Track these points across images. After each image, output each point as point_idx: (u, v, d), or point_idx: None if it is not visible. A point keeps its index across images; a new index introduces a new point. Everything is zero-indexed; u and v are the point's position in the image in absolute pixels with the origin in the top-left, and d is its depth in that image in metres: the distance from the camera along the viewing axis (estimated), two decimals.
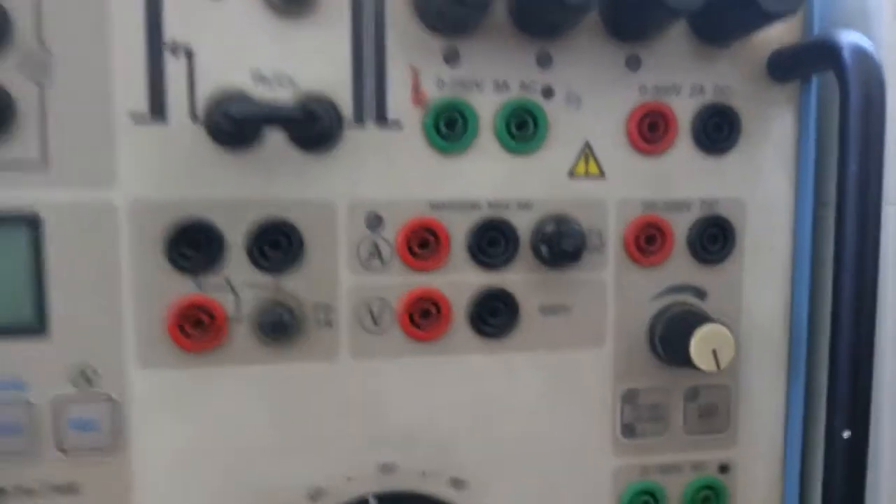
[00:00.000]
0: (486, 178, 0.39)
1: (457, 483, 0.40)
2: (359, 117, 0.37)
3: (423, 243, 0.39)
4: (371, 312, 0.39)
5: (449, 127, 0.38)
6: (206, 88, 0.36)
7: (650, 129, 0.40)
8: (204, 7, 0.35)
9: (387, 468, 0.40)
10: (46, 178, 0.35)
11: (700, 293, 0.41)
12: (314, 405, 0.39)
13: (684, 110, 0.40)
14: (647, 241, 0.40)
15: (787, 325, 0.43)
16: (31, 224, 0.35)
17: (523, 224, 0.39)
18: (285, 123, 0.35)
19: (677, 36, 0.39)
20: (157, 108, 0.36)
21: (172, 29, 0.35)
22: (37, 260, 0.35)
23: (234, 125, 0.34)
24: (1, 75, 0.34)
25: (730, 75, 0.40)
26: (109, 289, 0.36)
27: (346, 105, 0.37)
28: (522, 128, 0.39)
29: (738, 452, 0.43)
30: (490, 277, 0.39)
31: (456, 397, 0.40)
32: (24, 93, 0.35)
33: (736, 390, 0.43)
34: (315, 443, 0.39)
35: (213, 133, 0.35)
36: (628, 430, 0.42)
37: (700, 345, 0.38)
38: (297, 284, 0.38)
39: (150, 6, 0.35)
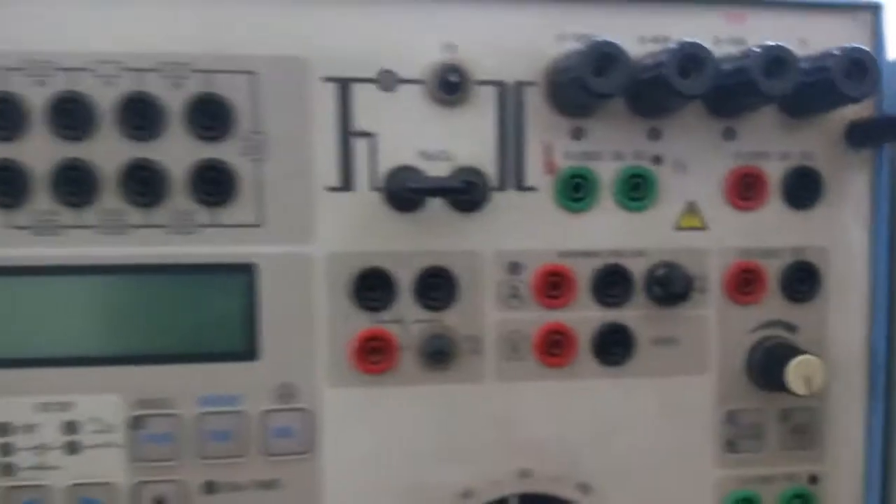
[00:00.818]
0: (606, 231, 0.47)
1: (583, 487, 0.48)
2: (502, 184, 0.46)
3: (554, 285, 0.47)
4: (511, 343, 0.47)
5: (575, 190, 0.47)
6: (384, 164, 0.45)
7: (745, 189, 0.47)
8: (383, 100, 0.45)
9: (524, 473, 0.48)
10: (261, 235, 0.45)
11: (790, 327, 0.49)
12: (465, 419, 0.47)
13: (774, 172, 0.48)
14: (744, 283, 0.48)
15: (867, 354, 0.49)
16: (249, 271, 0.45)
17: (638, 269, 0.47)
18: (450, 193, 0.44)
19: (767, 111, 0.47)
20: (346, 180, 0.45)
21: (358, 118, 0.45)
22: (251, 300, 0.45)
23: (412, 194, 0.43)
24: (227, 156, 0.44)
25: (813, 143, 0.48)
26: (307, 323, 0.45)
27: (491, 174, 0.46)
28: (636, 189, 0.47)
29: (825, 466, 0.50)
30: (610, 314, 0.48)
31: (581, 415, 0.48)
32: (244, 169, 0.44)
33: (823, 412, 0.49)
34: (466, 450, 0.47)
35: (391, 200, 0.45)
36: (729, 445, 0.49)
37: (795, 372, 0.45)
38: (453, 319, 0.47)
39: (341, 100, 0.45)
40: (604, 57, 0.40)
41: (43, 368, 0.43)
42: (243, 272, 0.44)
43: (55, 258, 0.43)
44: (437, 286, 0.46)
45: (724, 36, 0.46)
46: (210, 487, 0.45)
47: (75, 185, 0.42)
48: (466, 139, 0.45)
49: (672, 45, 0.40)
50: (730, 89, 0.42)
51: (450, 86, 0.44)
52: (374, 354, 0.45)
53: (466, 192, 0.43)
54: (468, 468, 0.47)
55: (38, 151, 0.42)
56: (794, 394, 0.45)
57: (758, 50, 0.41)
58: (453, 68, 0.45)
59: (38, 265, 0.43)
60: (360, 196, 0.45)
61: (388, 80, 0.45)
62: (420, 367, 0.46)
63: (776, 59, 0.41)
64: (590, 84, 0.40)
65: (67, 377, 0.44)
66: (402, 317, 0.46)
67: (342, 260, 0.45)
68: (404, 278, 0.46)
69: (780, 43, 0.41)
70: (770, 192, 0.48)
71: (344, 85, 0.44)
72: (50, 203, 0.42)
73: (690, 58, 0.40)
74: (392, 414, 0.46)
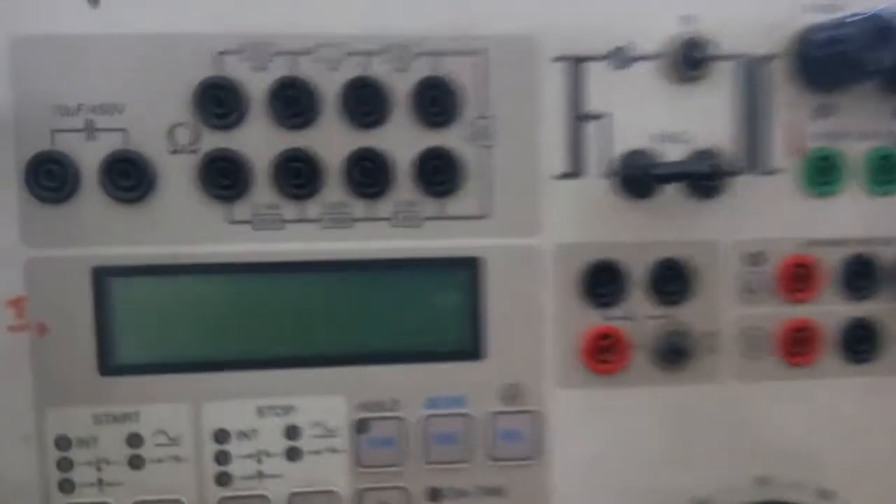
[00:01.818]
0: (854, 217, 0.43)
1: (825, 494, 0.44)
2: (741, 166, 0.42)
3: (799, 277, 0.43)
4: (751, 340, 0.43)
5: (822, 173, 0.43)
6: (617, 148, 0.42)
7: None
8: (615, 80, 0.41)
9: (761, 480, 0.44)
10: (487, 227, 0.42)
11: None
12: (699, 423, 0.44)
13: None
14: None
15: None
16: (474, 266, 0.42)
17: (887, 258, 0.43)
18: (697, 179, 0.40)
19: None
20: (576, 166, 0.42)
21: (590, 101, 0.41)
22: (476, 296, 0.42)
23: (655, 181, 0.40)
24: (453, 142, 0.41)
25: None
26: (534, 320, 0.42)
27: (730, 156, 0.42)
28: (885, 172, 0.43)
29: None
30: (858, 308, 0.44)
31: (825, 416, 0.44)
32: (470, 156, 0.41)
33: None
34: (699, 456, 0.44)
35: (625, 187, 0.41)
36: None
37: None
38: (687, 315, 0.43)
39: (572, 82, 0.41)
40: (882, 30, 0.36)
41: (262, 370, 0.41)
42: (468, 266, 0.41)
43: (276, 254, 0.41)
44: (671, 279, 0.42)
45: None
46: (434, 494, 0.42)
47: (297, 176, 0.40)
48: (703, 119, 0.42)
49: None
50: None
51: (690, 61, 0.41)
52: (604, 353, 0.42)
53: (714, 178, 0.40)
54: (703, 474, 0.44)
55: (258, 141, 0.40)
56: None
57: None
58: (693, 42, 0.41)
59: (257, 262, 0.40)
60: (589, 183, 0.42)
61: (621, 58, 0.41)
62: (653, 367, 0.43)
63: None
64: (866, 59, 0.36)
65: (288, 379, 0.41)
66: (634, 313, 0.42)
67: (570, 252, 0.42)
68: (636, 271, 0.42)
69: None
70: None
71: (574, 64, 0.41)
72: (271, 196, 0.40)
73: None
74: (623, 416, 0.43)
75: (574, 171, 0.42)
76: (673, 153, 0.42)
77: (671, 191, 0.42)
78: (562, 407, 0.43)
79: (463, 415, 0.42)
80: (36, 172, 0.38)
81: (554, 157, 0.41)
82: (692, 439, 0.44)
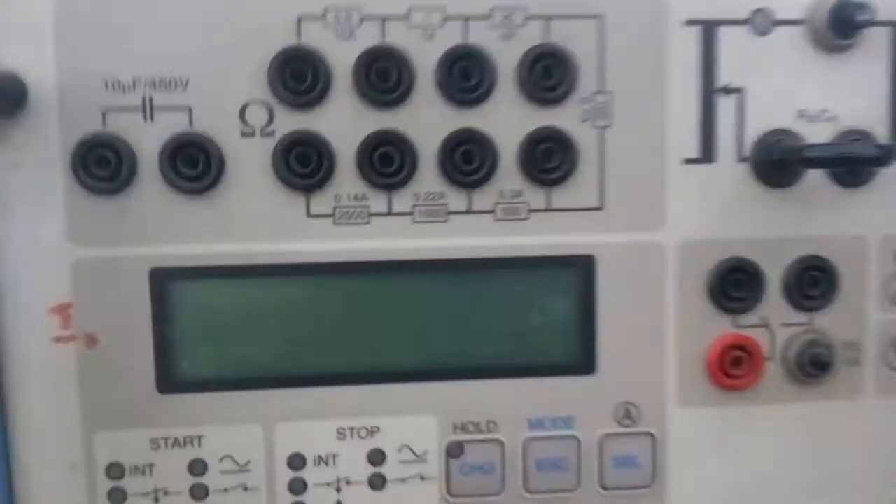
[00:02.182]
0: None
1: None
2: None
3: None
4: None
5: None
6: (754, 129, 0.36)
7: None
8: (754, 48, 0.35)
9: None
10: (602, 220, 0.36)
11: None
12: (838, 443, 0.38)
13: None
14: None
15: None
16: (586, 265, 0.36)
17: None
18: (861, 165, 0.34)
19: None
20: (707, 150, 0.36)
21: (725, 72, 0.35)
22: (588, 300, 0.36)
23: (808, 166, 0.34)
24: (565, 122, 0.35)
25: None
26: (655, 328, 0.37)
27: (881, 137, 0.36)
28: None
29: None
30: None
31: None
32: (585, 138, 0.35)
33: None
34: (841, 480, 0.38)
35: (764, 173, 0.35)
36: None
37: None
38: (827, 322, 0.37)
39: (705, 50, 0.35)
40: None
41: (343, 387, 0.36)
42: (579, 266, 0.36)
43: (359, 252, 0.35)
44: (812, 281, 0.36)
45: None
46: None
47: (387, 162, 0.34)
48: (852, 94, 0.36)
49: None
50: None
51: (839, 28, 0.34)
52: (735, 366, 0.36)
53: (881, 163, 0.33)
54: (843, 500, 0.38)
55: (342, 121, 0.34)
56: None
57: None
58: (843, 5, 0.34)
59: (337, 261, 0.34)
60: (722, 169, 0.36)
61: (762, 22, 0.35)
62: (789, 381, 0.38)
63: None
64: None
65: (373, 397, 0.36)
66: (769, 319, 0.36)
67: (698, 250, 0.36)
68: (772, 272, 0.36)
69: None
70: None
71: (709, 29, 0.35)
72: (355, 185, 0.34)
73: None
74: (754, 438, 0.38)
75: (705, 156, 0.35)
76: (817, 134, 0.36)
77: (814, 178, 0.36)
78: (683, 428, 0.38)
79: (570, 437, 0.37)
80: (85, 159, 0.33)
81: (682, 138, 0.36)
82: (832, 463, 0.38)
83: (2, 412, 0.34)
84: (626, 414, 0.37)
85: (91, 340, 0.34)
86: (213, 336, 0.35)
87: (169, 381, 0.35)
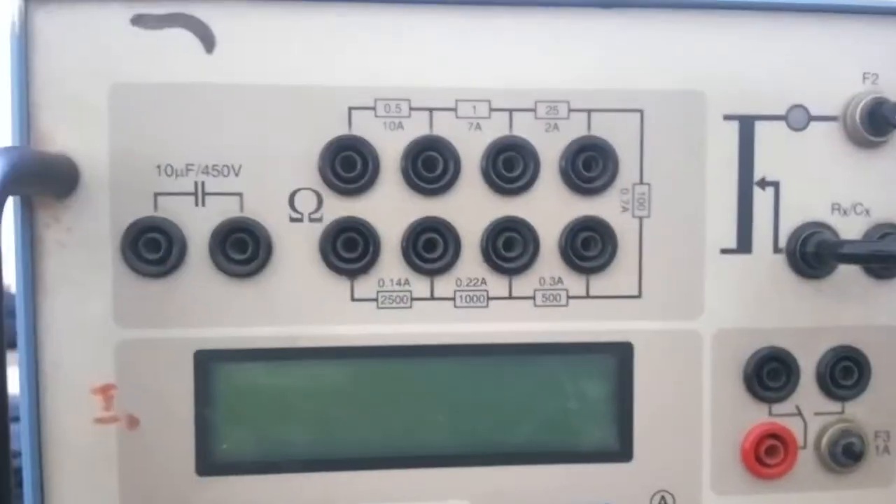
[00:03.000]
0: None
1: None
2: None
3: None
4: None
5: None
6: (790, 220, 0.36)
7: None
8: (790, 142, 0.36)
9: None
10: (640, 308, 0.36)
11: None
12: None
13: None
14: None
15: None
16: (623, 352, 0.36)
17: None
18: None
19: None
20: (744, 241, 0.36)
21: (762, 165, 0.36)
22: (625, 387, 0.36)
23: (844, 262, 0.34)
24: (605, 212, 0.35)
25: None
26: (690, 415, 0.37)
27: None
28: None
29: None
30: None
31: None
32: (625, 227, 0.36)
33: None
34: None
35: (799, 265, 0.36)
36: None
37: None
38: (860, 411, 0.37)
39: (743, 144, 0.36)
40: None
41: (378, 470, 0.36)
42: (617, 353, 0.36)
43: (402, 336, 0.35)
44: (845, 371, 0.36)
45: None
46: None
47: (431, 248, 0.34)
48: (885, 188, 0.37)
49: None
50: None
51: (873, 124, 0.35)
52: (769, 455, 0.36)
53: None
54: None
55: (388, 208, 0.34)
56: None
57: None
58: (878, 103, 0.35)
59: (380, 345, 0.35)
60: (758, 259, 0.37)
61: (798, 118, 0.36)
62: (822, 470, 0.38)
63: None
64: None
65: (408, 481, 0.36)
66: (802, 408, 0.37)
67: (734, 338, 0.37)
68: (806, 361, 0.36)
69: None
70: None
71: (746, 124, 0.35)
72: (399, 270, 0.34)
73: None
74: None
75: (741, 246, 0.36)
76: (850, 226, 0.36)
77: (848, 270, 0.37)
78: None
79: None
80: (136, 242, 0.33)
81: (719, 229, 0.36)
82: None
83: (40, 493, 0.33)
84: (662, 501, 0.37)
85: (132, 422, 0.34)
86: (252, 418, 0.35)
87: (208, 463, 0.34)
